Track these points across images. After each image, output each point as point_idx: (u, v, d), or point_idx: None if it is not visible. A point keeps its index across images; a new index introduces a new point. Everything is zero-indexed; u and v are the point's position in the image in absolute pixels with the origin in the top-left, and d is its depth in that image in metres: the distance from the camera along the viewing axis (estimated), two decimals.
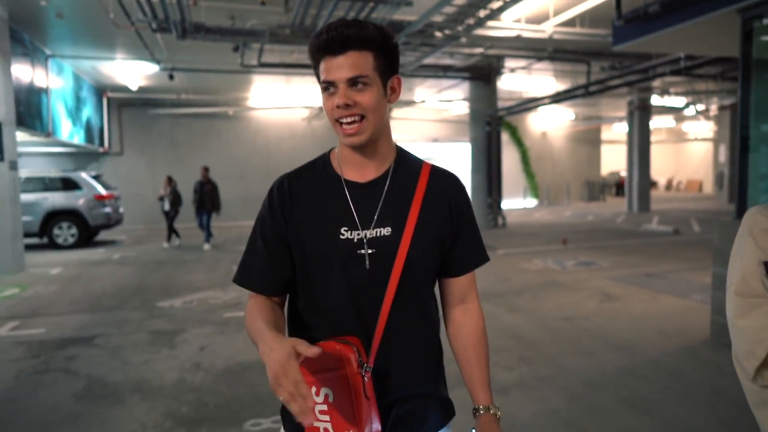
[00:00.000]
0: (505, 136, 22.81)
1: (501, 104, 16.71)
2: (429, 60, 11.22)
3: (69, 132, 12.89)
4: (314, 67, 1.18)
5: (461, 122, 20.77)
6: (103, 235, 14.21)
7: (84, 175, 12.43)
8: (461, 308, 1.32)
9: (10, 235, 8.47)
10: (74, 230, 11.91)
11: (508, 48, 10.03)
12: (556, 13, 8.63)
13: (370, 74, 1.13)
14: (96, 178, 12.57)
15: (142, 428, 3.20)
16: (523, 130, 24.00)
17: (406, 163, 1.27)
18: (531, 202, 23.83)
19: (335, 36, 1.11)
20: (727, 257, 3.77)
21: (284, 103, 17.35)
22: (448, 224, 1.26)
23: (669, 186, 34.45)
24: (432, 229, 1.23)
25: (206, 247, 11.12)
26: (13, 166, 8.62)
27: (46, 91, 11.26)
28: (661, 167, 33.47)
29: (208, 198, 10.98)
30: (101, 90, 15.79)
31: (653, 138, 24.11)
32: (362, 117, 1.14)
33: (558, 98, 12.62)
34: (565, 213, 19.30)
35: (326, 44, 1.12)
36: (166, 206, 11.37)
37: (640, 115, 18.23)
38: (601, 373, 3.93)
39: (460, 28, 7.50)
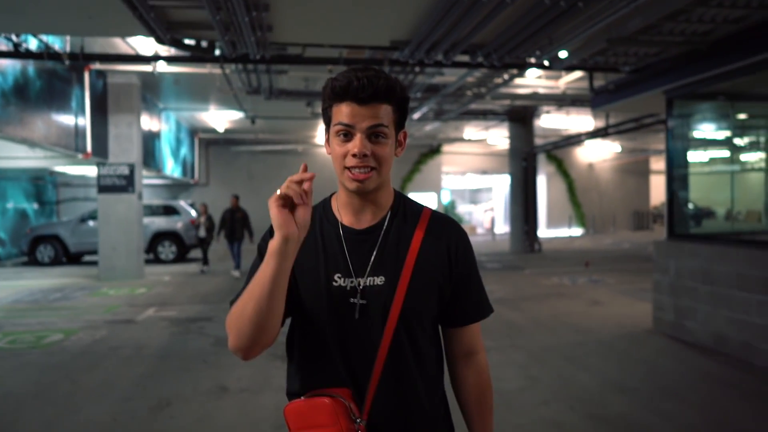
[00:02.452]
0: (551, 168, 24.29)
1: (541, 141, 18.41)
2: (472, 105, 13.16)
3: (171, 167, 15.71)
4: (327, 107, 1.17)
5: (507, 156, 22.39)
6: (193, 253, 16.86)
7: (182, 203, 15.14)
8: (464, 361, 1.28)
9: (135, 249, 11.02)
10: (174, 248, 14.53)
11: (528, 100, 11.84)
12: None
13: (389, 126, 1.14)
14: (191, 205, 15.26)
15: (251, 365, 5.23)
16: (570, 163, 25.24)
17: (404, 210, 1.24)
18: (577, 231, 24.91)
19: (366, 85, 1.10)
20: (661, 268, 5.42)
21: None
22: (446, 273, 1.21)
23: (728, 216, 34.21)
24: (429, 278, 1.18)
25: (235, 274, 11.29)
26: (140, 197, 11.24)
27: (158, 136, 14.07)
28: (720, 197, 33.43)
29: (239, 225, 11.18)
30: (194, 132, 18.76)
31: (705, 168, 24.70)
32: (373, 169, 1.13)
33: (589, 136, 14.16)
34: (606, 241, 20.40)
35: (355, 91, 1.11)
36: (202, 233, 11.95)
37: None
38: (558, 344, 5.65)
39: (484, 90, 9.43)
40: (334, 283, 1.16)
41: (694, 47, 4.77)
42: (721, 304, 5.19)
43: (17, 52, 5.99)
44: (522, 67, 6.06)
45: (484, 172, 24.88)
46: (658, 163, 31.03)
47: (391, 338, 1.14)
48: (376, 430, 1.14)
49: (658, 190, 31.33)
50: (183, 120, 16.75)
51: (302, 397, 1.14)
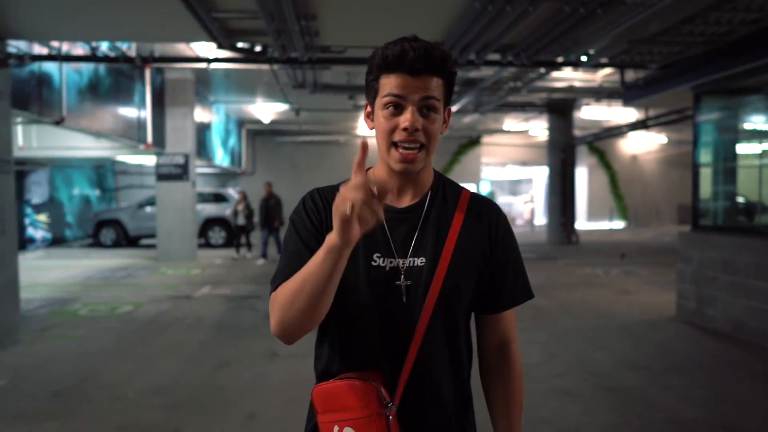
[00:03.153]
0: (593, 160, 24.10)
1: (582, 132, 18.40)
2: (511, 98, 13.40)
3: (221, 157, 16.60)
4: (373, 79, 1.11)
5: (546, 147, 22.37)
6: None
7: (230, 190, 16.00)
8: (498, 350, 1.23)
9: (190, 233, 11.88)
10: (223, 233, 15.41)
11: (565, 93, 12.00)
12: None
13: (440, 100, 1.09)
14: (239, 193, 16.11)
15: None
16: (613, 154, 24.92)
17: (444, 190, 1.20)
18: (618, 224, 24.66)
19: (422, 56, 1.05)
20: (685, 258, 5.70)
21: None
22: (487, 256, 1.18)
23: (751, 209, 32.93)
24: (469, 260, 1.15)
25: (259, 262, 11.49)
26: (194, 185, 12.07)
27: (209, 127, 14.93)
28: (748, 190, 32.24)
29: (272, 212, 11.52)
30: (241, 123, 19.63)
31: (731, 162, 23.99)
32: (422, 146, 1.08)
33: (630, 128, 14.17)
34: (647, 234, 20.23)
35: (410, 61, 1.04)
36: (241, 220, 12.16)
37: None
38: (580, 327, 6.01)
39: (519, 84, 9.73)
40: (373, 263, 1.13)
41: (715, 46, 5.01)
42: (740, 293, 5.44)
43: (94, 56, 6.74)
44: (551, 65, 6.38)
45: (524, 163, 24.90)
46: (706, 156, 30.20)
47: (428, 321, 1.11)
48: (407, 415, 1.11)
49: (704, 183, 30.50)
50: (231, 112, 17.60)
51: (332, 380, 1.11)
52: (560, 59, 6.04)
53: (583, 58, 5.79)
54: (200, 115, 13.77)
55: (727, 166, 6.12)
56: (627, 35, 5.00)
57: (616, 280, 9.19)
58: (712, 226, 6.20)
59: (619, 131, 15.08)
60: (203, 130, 14.28)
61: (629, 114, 17.35)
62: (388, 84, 1.07)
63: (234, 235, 15.53)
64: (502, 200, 28.91)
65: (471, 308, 1.22)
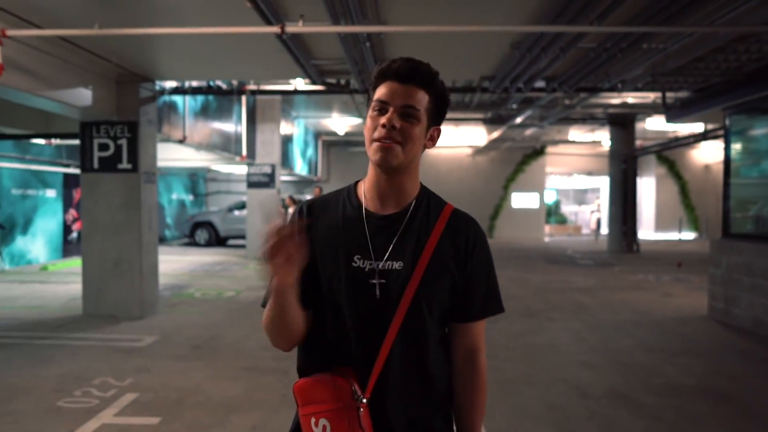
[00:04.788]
0: (662, 170, 23.96)
1: (648, 142, 18.66)
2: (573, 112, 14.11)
3: (300, 166, 18.31)
4: (372, 89, 1.25)
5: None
6: None
7: (308, 197, 17.65)
8: (466, 358, 1.30)
9: None
10: None
11: (620, 108, 12.62)
12: None
13: (421, 111, 1.20)
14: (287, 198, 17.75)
15: None
16: (684, 164, 24.59)
17: (428, 202, 1.30)
18: (689, 235, 24.30)
19: (407, 66, 1.20)
20: (715, 263, 6.47)
21: (453, 143, 21.29)
22: (461, 267, 1.26)
23: None
24: (444, 269, 1.24)
25: None
26: (279, 192, 13.70)
27: (291, 139, 16.63)
28: None
29: None
30: (318, 134, 21.35)
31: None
32: (398, 143, 1.18)
33: (696, 139, 14.41)
34: None
35: (396, 71, 1.19)
36: None
37: None
38: (615, 320, 6.86)
39: (575, 101, 10.56)
40: (354, 264, 1.22)
41: (730, 77, 5.76)
42: (759, 293, 6.12)
43: (210, 88, 8.38)
44: (592, 90, 7.28)
45: (590, 173, 25.11)
46: (736, 171, 28.90)
47: (402, 320, 1.19)
48: (379, 409, 1.19)
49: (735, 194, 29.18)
50: (310, 125, 19.32)
51: (312, 375, 1.21)
52: (599, 86, 6.95)
53: (619, 85, 6.68)
54: (284, 129, 15.47)
55: (750, 180, 6.77)
56: (651, 69, 5.86)
57: (664, 286, 9.78)
58: (737, 233, 6.86)
59: (681, 143, 15.33)
60: (286, 142, 15.98)
61: (697, 125, 17.45)
62: (378, 92, 1.22)
63: None
64: (568, 209, 29.08)
65: (446, 317, 1.28)
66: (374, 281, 1.22)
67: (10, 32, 4.31)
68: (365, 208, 1.28)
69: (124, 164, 6.66)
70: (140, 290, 6.75)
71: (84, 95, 6.06)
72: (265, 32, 4.46)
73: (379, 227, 1.26)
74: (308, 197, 13.85)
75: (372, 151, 1.21)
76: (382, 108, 1.20)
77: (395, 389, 1.21)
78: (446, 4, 4.47)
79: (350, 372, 1.19)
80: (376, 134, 1.20)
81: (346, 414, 1.15)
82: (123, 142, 6.64)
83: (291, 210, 13.22)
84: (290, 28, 4.32)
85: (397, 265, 1.22)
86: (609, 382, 4.58)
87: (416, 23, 4.73)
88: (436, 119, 1.27)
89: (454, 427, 1.33)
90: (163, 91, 7.31)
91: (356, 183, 1.35)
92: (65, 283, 9.29)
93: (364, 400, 1.17)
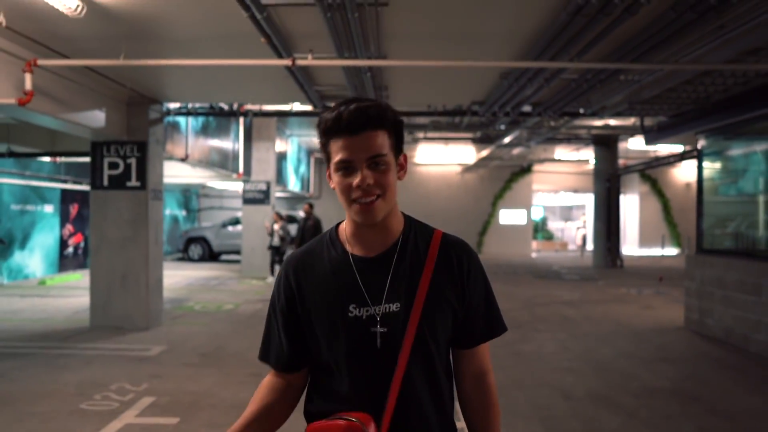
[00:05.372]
0: (645, 188, 24.67)
1: (631, 161, 19.33)
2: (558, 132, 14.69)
3: (293, 183, 18.68)
4: (324, 144, 1.19)
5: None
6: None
7: (300, 213, 17.97)
8: (475, 382, 1.29)
9: (265, 249, 13.79)
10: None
11: (603, 130, 13.21)
12: None
13: (388, 154, 1.16)
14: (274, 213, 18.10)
15: None
16: (665, 182, 25.32)
17: (415, 234, 1.26)
18: (672, 251, 24.95)
19: (356, 115, 1.13)
20: (690, 277, 6.93)
21: (442, 161, 21.81)
22: (460, 295, 1.23)
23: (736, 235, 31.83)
24: (443, 301, 1.22)
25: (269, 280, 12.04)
26: (273, 208, 14.05)
27: (285, 157, 17.02)
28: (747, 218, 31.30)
29: (309, 234, 11.42)
30: (310, 152, 21.77)
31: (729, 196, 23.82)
32: (379, 196, 1.15)
33: (677, 159, 15.02)
34: None
35: (346, 124, 1.12)
36: (276, 241, 12.06)
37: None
38: (597, 330, 7.27)
39: (560, 123, 11.09)
40: (350, 314, 1.19)
41: (700, 106, 6.28)
42: (729, 305, 6.57)
43: (213, 110, 8.78)
44: (574, 115, 7.78)
45: (576, 190, 25.77)
46: (707, 190, 29.81)
47: (406, 363, 1.17)
48: None
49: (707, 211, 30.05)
50: (303, 143, 19.74)
51: (323, 420, 1.17)
52: (582, 111, 7.45)
53: (600, 111, 7.19)
54: (279, 146, 15.85)
55: (719, 199, 7.29)
56: (628, 98, 6.37)
57: (645, 299, 10.24)
58: (709, 249, 7.34)
59: (662, 162, 15.92)
60: (280, 159, 16.36)
61: (677, 146, 18.17)
62: (335, 148, 1.15)
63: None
64: (554, 225, 29.69)
65: (448, 345, 1.27)
66: (375, 330, 1.18)
67: (41, 62, 4.67)
68: (351, 254, 1.23)
69: (133, 182, 7.00)
70: (146, 303, 7.05)
71: (98, 117, 6.41)
72: (277, 65, 4.87)
73: (370, 270, 1.22)
74: (300, 213, 13.78)
75: (354, 212, 1.18)
76: (348, 167, 1.15)
77: (410, 428, 1.20)
78: (441, 40, 4.92)
79: (367, 417, 1.14)
80: (354, 195, 1.15)
81: None
82: (132, 161, 6.99)
83: (276, 226, 12.51)
84: (300, 62, 4.74)
85: (394, 307, 1.19)
86: (590, 385, 4.96)
87: (414, 56, 5.18)
88: (399, 147, 1.22)
89: None
90: (168, 112, 7.67)
91: (336, 226, 1.31)
92: (65, 297, 9.53)
93: None
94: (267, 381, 1.31)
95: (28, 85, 4.58)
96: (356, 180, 1.14)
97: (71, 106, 5.84)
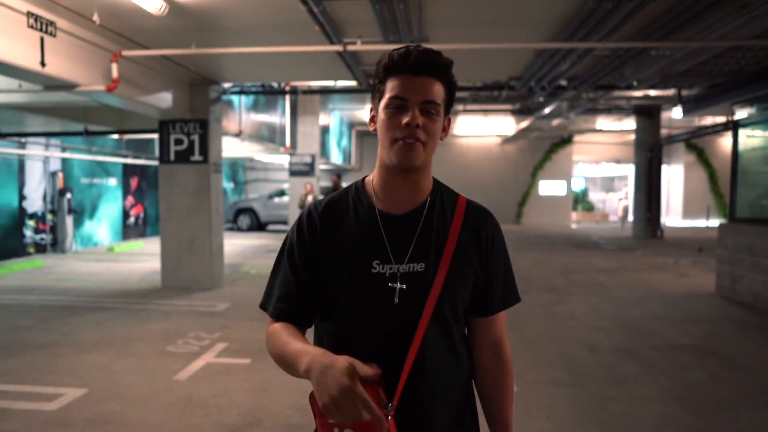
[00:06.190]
0: (690, 158, 24.16)
1: (675, 131, 19.05)
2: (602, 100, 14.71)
3: (336, 155, 19.31)
4: (379, 81, 1.17)
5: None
6: None
7: (343, 184, 18.65)
8: (491, 351, 1.30)
9: None
10: None
11: (643, 100, 13.18)
12: None
13: (441, 105, 1.16)
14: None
15: None
16: (713, 152, 24.70)
17: (442, 196, 1.26)
18: (717, 222, 24.47)
19: (425, 57, 1.13)
20: (722, 245, 7.22)
21: (482, 132, 21.97)
22: (483, 262, 1.24)
23: None
24: (466, 266, 1.21)
25: None
26: (318, 179, 14.72)
27: (328, 130, 17.62)
28: None
29: None
30: (352, 125, 22.29)
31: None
32: (422, 143, 1.14)
33: (723, 128, 14.82)
34: None
35: (413, 62, 1.12)
36: None
37: None
38: (629, 295, 7.64)
39: (599, 94, 11.22)
40: (373, 270, 1.17)
41: (735, 77, 6.43)
42: (758, 271, 6.83)
43: (264, 88, 9.38)
44: (610, 89, 8.00)
45: (618, 161, 25.48)
46: (742, 160, 28.56)
47: (427, 324, 1.16)
48: (408, 417, 1.15)
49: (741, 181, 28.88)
50: (345, 117, 20.28)
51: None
52: (617, 84, 7.68)
53: (635, 83, 7.41)
54: (322, 120, 16.44)
55: (754, 168, 7.44)
56: (661, 71, 6.57)
57: (681, 268, 10.45)
58: (741, 218, 7.54)
59: (700, 132, 15.72)
60: (324, 133, 16.97)
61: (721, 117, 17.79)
62: (392, 86, 1.14)
63: None
64: (595, 197, 29.44)
65: (467, 314, 1.27)
66: (393, 285, 1.17)
67: (125, 53, 5.33)
68: (378, 209, 1.21)
69: (196, 156, 7.71)
70: (210, 266, 7.84)
71: (166, 98, 7.10)
72: (329, 50, 5.38)
73: (396, 228, 1.20)
74: (343, 184, 14.52)
75: (395, 150, 1.14)
76: (401, 105, 1.13)
77: (424, 395, 1.18)
78: (478, 24, 5.31)
79: (377, 377, 1.08)
80: (399, 133, 1.13)
81: (373, 422, 1.02)
82: (195, 137, 7.69)
83: (310, 199, 13.13)
84: (350, 47, 5.23)
85: (419, 267, 1.18)
86: (616, 341, 5.42)
87: (453, 39, 5.59)
88: (449, 109, 1.21)
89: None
90: (225, 91, 8.32)
91: (363, 180, 1.28)
92: (133, 262, 10.51)
93: (393, 408, 1.11)
94: (282, 325, 1.23)
95: (114, 73, 5.26)
96: (407, 118, 1.12)
97: (145, 89, 6.53)
